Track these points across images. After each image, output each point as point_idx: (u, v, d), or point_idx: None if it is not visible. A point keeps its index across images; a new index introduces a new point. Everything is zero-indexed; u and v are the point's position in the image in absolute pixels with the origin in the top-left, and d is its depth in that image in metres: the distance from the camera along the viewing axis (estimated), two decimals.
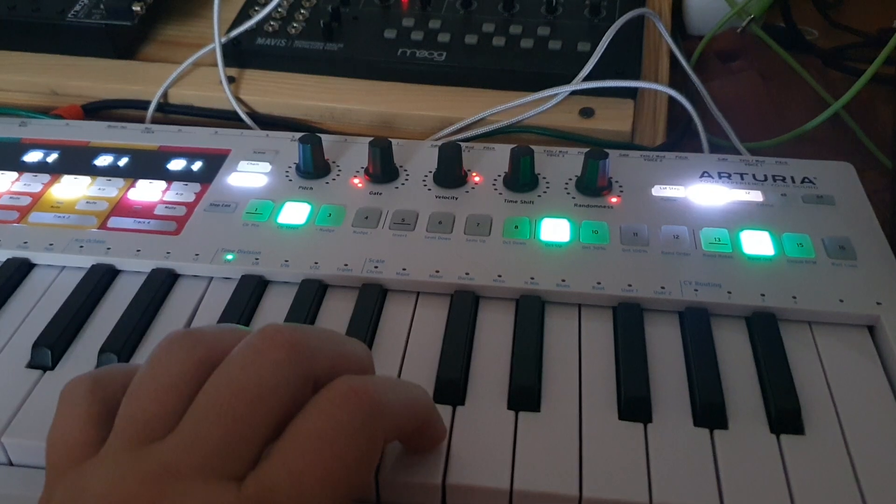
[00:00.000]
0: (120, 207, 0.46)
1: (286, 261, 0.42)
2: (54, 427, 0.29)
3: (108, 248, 0.43)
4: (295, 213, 0.45)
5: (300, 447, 0.26)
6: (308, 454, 0.26)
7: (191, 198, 0.47)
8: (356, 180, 0.48)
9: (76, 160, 0.51)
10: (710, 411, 0.35)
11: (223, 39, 0.61)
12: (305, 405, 0.27)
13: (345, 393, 0.27)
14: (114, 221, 0.45)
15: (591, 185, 0.46)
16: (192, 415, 0.26)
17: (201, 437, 0.25)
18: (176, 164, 0.50)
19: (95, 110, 0.61)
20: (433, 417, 0.32)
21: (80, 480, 0.26)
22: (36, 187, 0.48)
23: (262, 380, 0.26)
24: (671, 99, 0.56)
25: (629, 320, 0.39)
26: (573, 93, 0.56)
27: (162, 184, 0.48)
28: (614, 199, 0.46)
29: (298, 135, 0.49)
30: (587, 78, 0.56)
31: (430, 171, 0.48)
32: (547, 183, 0.47)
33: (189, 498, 0.24)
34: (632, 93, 0.57)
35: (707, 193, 0.46)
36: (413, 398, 0.30)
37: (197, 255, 0.43)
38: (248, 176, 0.48)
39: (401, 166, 0.49)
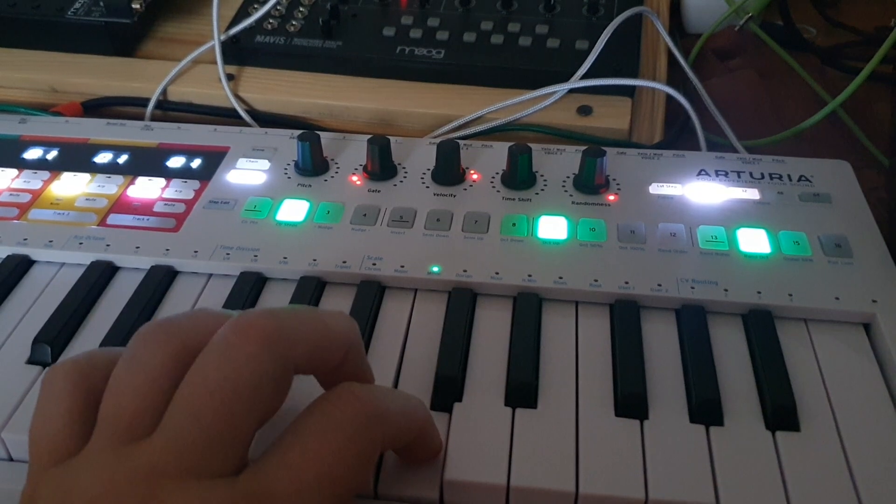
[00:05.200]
0: (119, 204, 0.47)
1: (284, 258, 0.42)
2: (36, 421, 0.28)
3: (108, 245, 0.44)
4: (293, 210, 0.45)
5: (300, 444, 0.26)
6: (308, 451, 0.26)
7: (190, 195, 0.47)
8: (354, 178, 0.48)
9: (76, 157, 0.51)
10: (706, 408, 0.35)
11: (222, 37, 0.61)
12: (307, 406, 0.27)
13: (346, 397, 0.27)
14: (113, 218, 0.46)
15: (589, 182, 0.46)
16: (171, 414, 0.26)
17: (182, 438, 0.25)
18: (175, 162, 0.50)
19: (95, 107, 0.61)
20: (430, 429, 0.32)
21: (66, 479, 0.25)
22: (36, 184, 0.48)
23: (237, 376, 0.26)
24: (669, 97, 0.56)
25: (626, 317, 0.39)
26: (571, 91, 0.56)
27: (161, 181, 0.48)
28: (612, 197, 0.46)
29: (297, 132, 0.49)
30: (585, 76, 0.56)
31: (429, 169, 0.48)
32: (545, 181, 0.47)
33: (182, 496, 0.24)
34: (629, 91, 0.57)
35: (704, 191, 0.46)
36: (411, 408, 0.30)
37: (196, 251, 0.43)
38: (246, 173, 0.49)
39: (399, 164, 0.49)
